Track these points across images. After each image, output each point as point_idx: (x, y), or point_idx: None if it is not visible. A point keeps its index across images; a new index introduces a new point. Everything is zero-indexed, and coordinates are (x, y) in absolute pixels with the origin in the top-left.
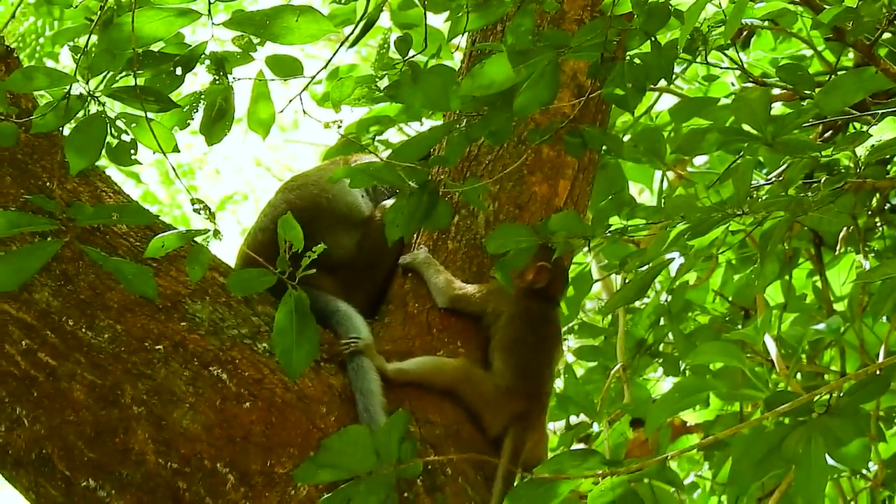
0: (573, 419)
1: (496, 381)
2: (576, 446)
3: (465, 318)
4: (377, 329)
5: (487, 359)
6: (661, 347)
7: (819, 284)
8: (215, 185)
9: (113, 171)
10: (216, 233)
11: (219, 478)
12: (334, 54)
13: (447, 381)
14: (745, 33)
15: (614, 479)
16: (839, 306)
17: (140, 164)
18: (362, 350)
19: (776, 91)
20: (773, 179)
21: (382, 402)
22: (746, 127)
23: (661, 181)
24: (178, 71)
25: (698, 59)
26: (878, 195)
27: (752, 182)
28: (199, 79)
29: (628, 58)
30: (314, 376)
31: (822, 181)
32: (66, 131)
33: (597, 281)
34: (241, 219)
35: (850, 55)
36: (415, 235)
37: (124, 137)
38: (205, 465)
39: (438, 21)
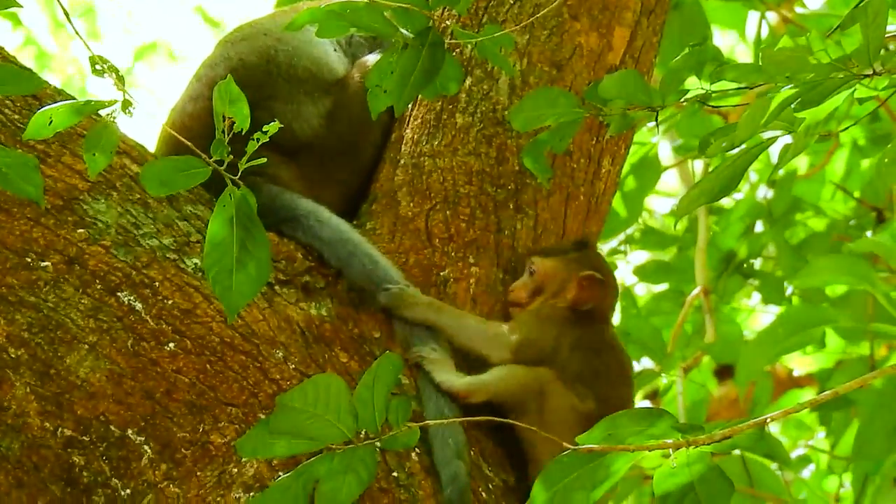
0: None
1: (574, 403)
2: (638, 404)
3: (480, 221)
4: None
5: None
6: (757, 264)
7: None
8: (130, 33)
9: None
10: (126, 104)
11: (130, 449)
12: None
13: (523, 391)
14: None
15: (691, 452)
16: None
17: (20, 5)
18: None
19: None
20: None
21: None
22: None
23: (759, 27)
24: None
25: None
26: None
27: (889, 29)
28: None
29: None
30: (266, 306)
31: None
32: None
33: (667, 169)
34: (164, 84)
35: None
36: (409, 107)
37: None
38: (110, 432)
39: None
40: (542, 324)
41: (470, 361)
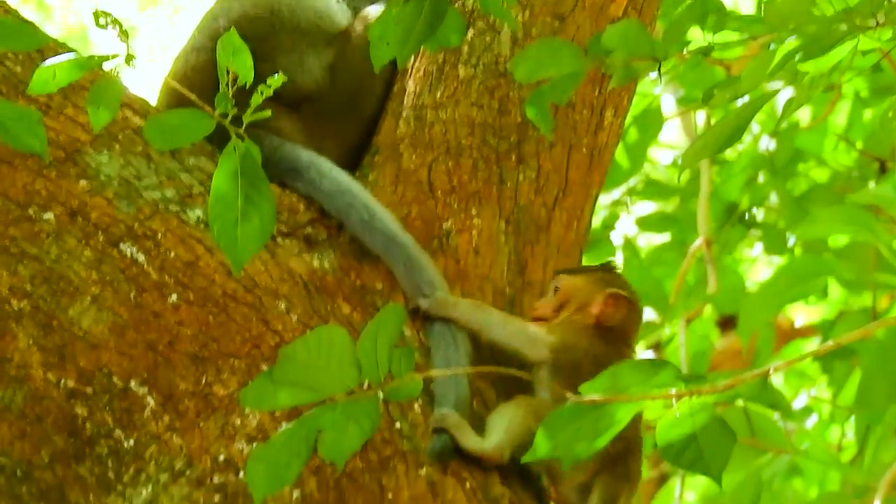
0: None
1: None
2: (640, 355)
3: (482, 173)
4: None
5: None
6: (759, 215)
7: None
8: None
9: None
10: (130, 58)
11: (133, 401)
12: None
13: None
14: None
15: (694, 402)
16: None
17: None
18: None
19: None
20: None
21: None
22: None
23: None
24: None
25: None
26: None
27: None
28: None
29: None
30: (269, 258)
31: None
32: None
33: (669, 120)
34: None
35: None
36: (412, 59)
37: None
38: (113, 384)
39: None
40: (575, 332)
41: (497, 357)
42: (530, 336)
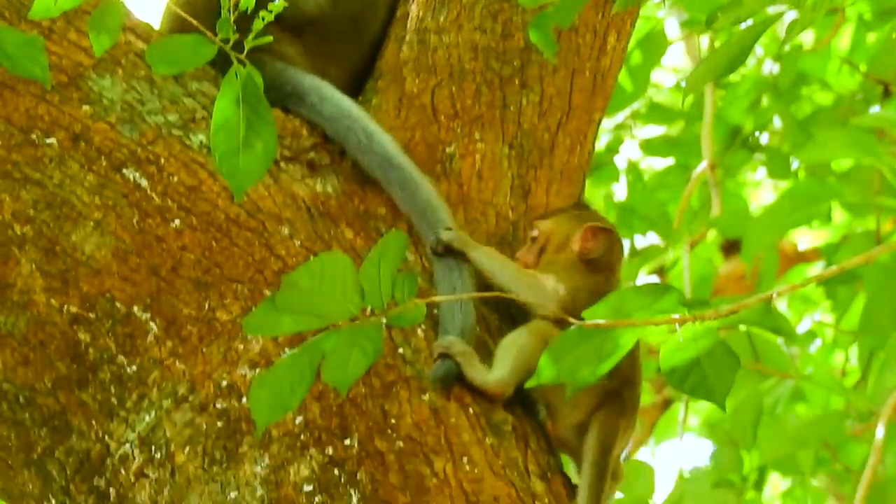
0: (639, 240)
1: None
2: (644, 279)
3: (486, 97)
4: None
5: None
6: (763, 139)
7: None
8: None
9: None
10: None
11: (136, 326)
12: None
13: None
14: None
15: (697, 327)
16: None
17: None
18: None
19: None
20: None
21: None
22: None
23: None
24: None
25: None
26: None
27: None
28: None
29: None
30: (272, 183)
31: None
32: None
33: (673, 43)
34: None
35: None
36: None
37: None
38: (116, 310)
39: None
40: (568, 272)
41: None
42: (542, 290)
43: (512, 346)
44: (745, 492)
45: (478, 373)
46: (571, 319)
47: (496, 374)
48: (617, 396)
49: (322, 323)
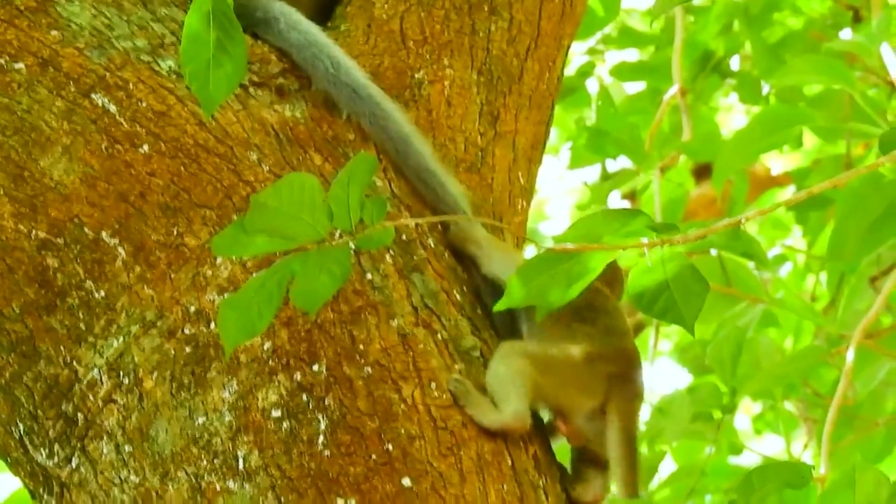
0: (610, 164)
1: (577, 347)
2: (616, 205)
3: (455, 23)
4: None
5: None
6: (734, 63)
7: None
8: None
9: None
10: None
11: (104, 252)
12: None
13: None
14: None
15: (667, 250)
16: None
17: None
18: None
19: None
20: None
21: None
22: None
23: None
24: None
25: None
26: None
27: None
28: None
29: None
30: (240, 108)
31: None
32: None
33: None
34: None
35: None
36: None
37: None
38: (84, 235)
39: None
40: None
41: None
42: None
43: (505, 375)
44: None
45: (488, 414)
46: (547, 246)
47: (509, 409)
48: (627, 377)
49: (290, 245)
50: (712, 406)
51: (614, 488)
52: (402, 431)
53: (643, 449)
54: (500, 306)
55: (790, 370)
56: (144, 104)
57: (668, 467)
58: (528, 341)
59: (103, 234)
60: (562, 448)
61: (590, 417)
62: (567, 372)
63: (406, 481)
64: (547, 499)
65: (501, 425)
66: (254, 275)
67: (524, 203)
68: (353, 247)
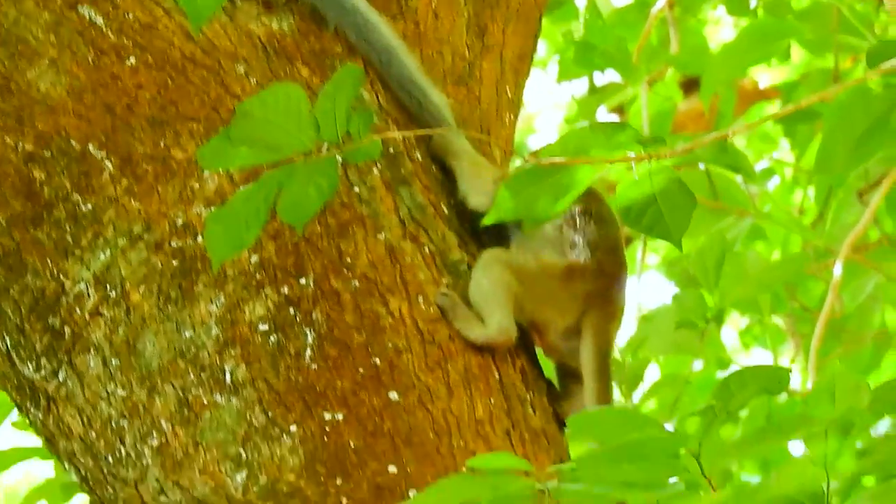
0: (598, 78)
1: (558, 259)
2: (602, 117)
3: None
4: None
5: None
6: None
7: None
8: None
9: None
10: None
11: (91, 164)
12: None
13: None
14: None
15: (654, 164)
16: None
17: None
18: None
19: None
20: None
21: None
22: None
23: None
24: None
25: None
26: None
27: None
28: None
29: None
30: (227, 20)
31: None
32: None
33: None
34: None
35: None
36: None
37: None
38: (71, 148)
39: None
40: None
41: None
42: (483, 188)
43: (488, 287)
44: (707, 332)
45: (473, 329)
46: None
47: (493, 322)
48: (605, 297)
49: (276, 156)
50: (697, 315)
51: (587, 403)
52: (390, 345)
53: (628, 359)
54: (487, 220)
55: (775, 277)
56: (131, 16)
57: (654, 378)
58: (510, 250)
59: (90, 146)
60: (548, 363)
61: (565, 335)
62: (545, 286)
63: (393, 395)
64: (534, 412)
65: (486, 340)
66: (241, 188)
67: (511, 116)
68: (339, 160)
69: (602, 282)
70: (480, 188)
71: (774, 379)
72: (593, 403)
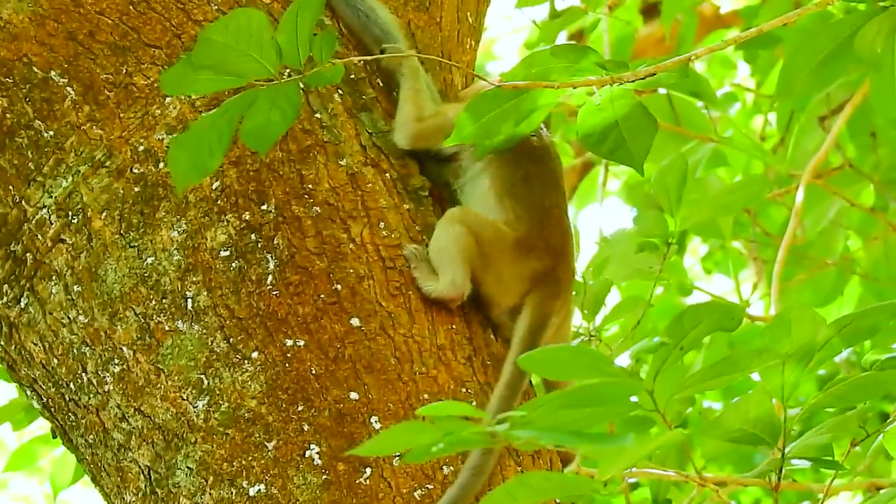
0: (559, 2)
1: (509, 230)
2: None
3: None
4: None
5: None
6: None
7: None
8: None
9: None
10: None
11: (53, 91)
12: None
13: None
14: None
15: (616, 89)
16: None
17: None
18: None
19: None
20: None
21: None
22: None
23: None
24: None
25: None
26: None
27: None
28: None
29: None
30: None
31: None
32: None
33: None
34: None
35: None
36: None
37: None
38: (33, 74)
39: None
40: None
41: None
42: (410, 119)
43: (446, 245)
44: (668, 255)
45: (427, 282)
46: (493, 81)
47: (446, 279)
48: (551, 276)
49: (239, 82)
50: (657, 236)
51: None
52: (351, 271)
53: (589, 281)
54: (449, 142)
55: (736, 200)
56: None
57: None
58: (472, 210)
59: (52, 73)
60: None
61: (510, 313)
62: (496, 255)
63: (355, 321)
64: (496, 338)
65: (438, 295)
66: (203, 114)
67: (472, 42)
68: (302, 85)
69: (549, 257)
70: (405, 121)
71: (728, 316)
72: (502, 386)
